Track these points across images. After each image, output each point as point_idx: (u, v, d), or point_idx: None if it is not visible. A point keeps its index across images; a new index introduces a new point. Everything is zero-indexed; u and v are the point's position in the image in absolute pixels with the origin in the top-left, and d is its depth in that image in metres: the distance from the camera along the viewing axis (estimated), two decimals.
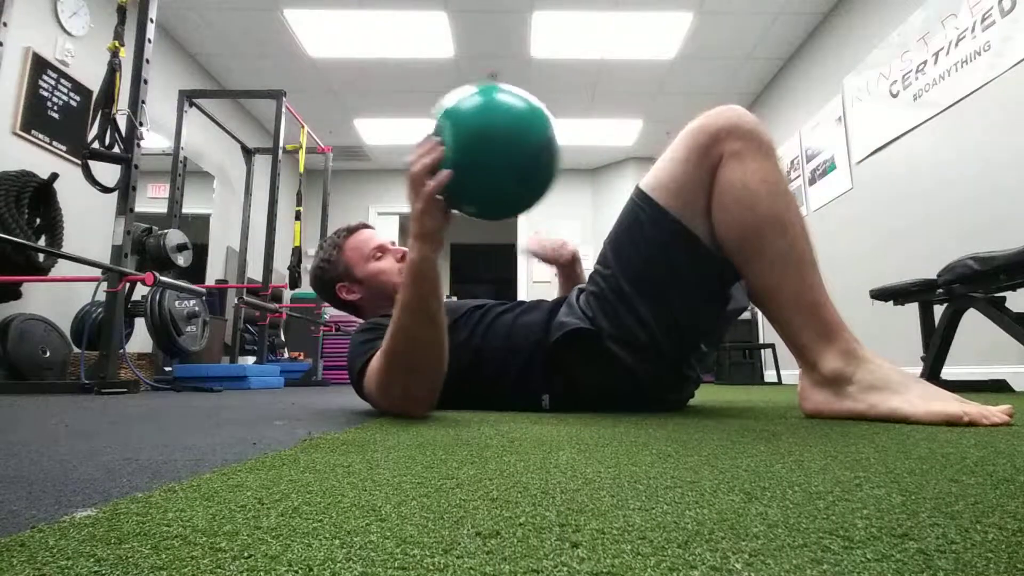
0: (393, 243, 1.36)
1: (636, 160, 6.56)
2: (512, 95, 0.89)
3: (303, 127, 4.19)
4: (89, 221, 3.21)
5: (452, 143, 0.85)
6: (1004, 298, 1.87)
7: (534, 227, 6.91)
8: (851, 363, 0.89)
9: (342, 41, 4.39)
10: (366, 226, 1.39)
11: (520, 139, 0.87)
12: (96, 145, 2.25)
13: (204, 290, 2.88)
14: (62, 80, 3.26)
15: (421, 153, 0.87)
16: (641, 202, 1.04)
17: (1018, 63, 2.50)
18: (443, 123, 0.87)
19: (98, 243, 2.97)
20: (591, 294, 1.11)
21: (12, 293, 2.73)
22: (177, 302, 2.94)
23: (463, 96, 0.89)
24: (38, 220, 2.88)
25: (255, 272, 4.53)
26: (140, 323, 2.97)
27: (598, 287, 1.09)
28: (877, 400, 0.86)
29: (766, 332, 4.99)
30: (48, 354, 2.77)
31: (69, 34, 3.33)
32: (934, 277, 2.06)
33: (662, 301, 1.03)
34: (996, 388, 2.15)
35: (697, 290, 1.04)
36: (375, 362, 0.99)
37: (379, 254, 1.31)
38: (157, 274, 2.27)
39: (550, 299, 1.27)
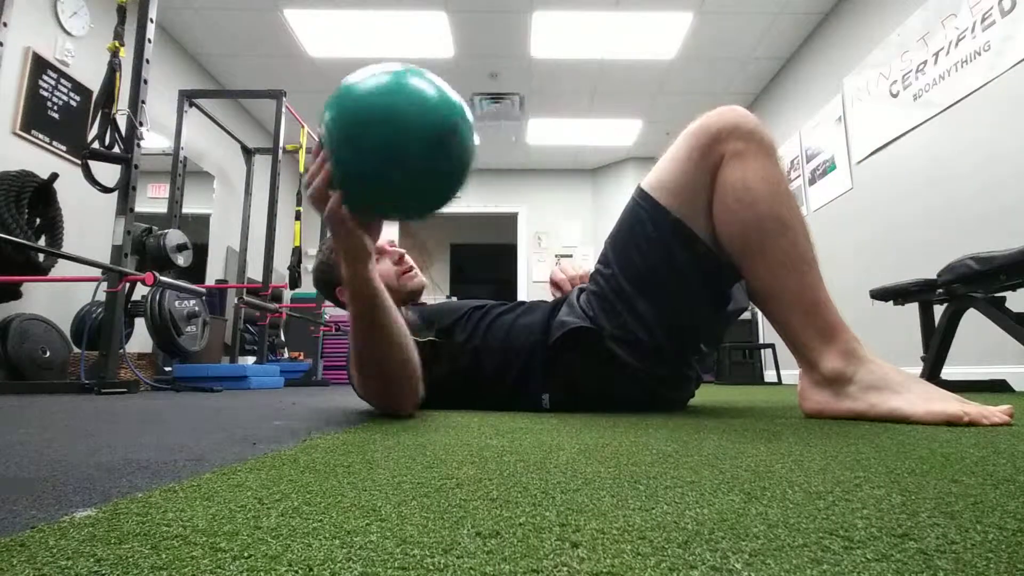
0: (392, 243, 1.36)
1: (636, 160, 6.56)
2: (390, 80, 0.78)
3: (303, 127, 4.19)
4: (89, 221, 3.21)
5: (336, 150, 0.75)
6: (1004, 298, 1.87)
7: (534, 227, 6.91)
8: (851, 363, 0.89)
9: (342, 41, 4.39)
10: None
11: (403, 125, 0.75)
12: (96, 145, 2.25)
13: (204, 290, 2.88)
14: (62, 80, 3.26)
15: (312, 172, 0.81)
16: (642, 201, 1.05)
17: (1018, 63, 2.50)
18: (326, 127, 0.77)
19: (98, 243, 2.96)
20: (592, 293, 1.11)
21: (12, 293, 2.73)
22: (177, 302, 2.94)
23: (340, 89, 0.78)
24: (38, 220, 2.88)
25: (255, 272, 4.53)
26: (140, 323, 2.97)
27: (599, 286, 1.09)
28: (877, 400, 0.86)
29: (766, 332, 4.99)
30: (48, 354, 2.77)
31: (69, 34, 3.33)
32: (934, 277, 2.06)
33: (663, 301, 1.03)
34: (996, 388, 2.15)
35: (698, 290, 1.04)
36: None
37: (377, 256, 1.30)
38: (157, 274, 2.27)
39: (550, 299, 1.27)
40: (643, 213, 1.04)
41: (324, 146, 0.77)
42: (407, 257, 1.34)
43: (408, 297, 1.33)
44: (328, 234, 0.88)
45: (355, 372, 0.97)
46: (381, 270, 1.29)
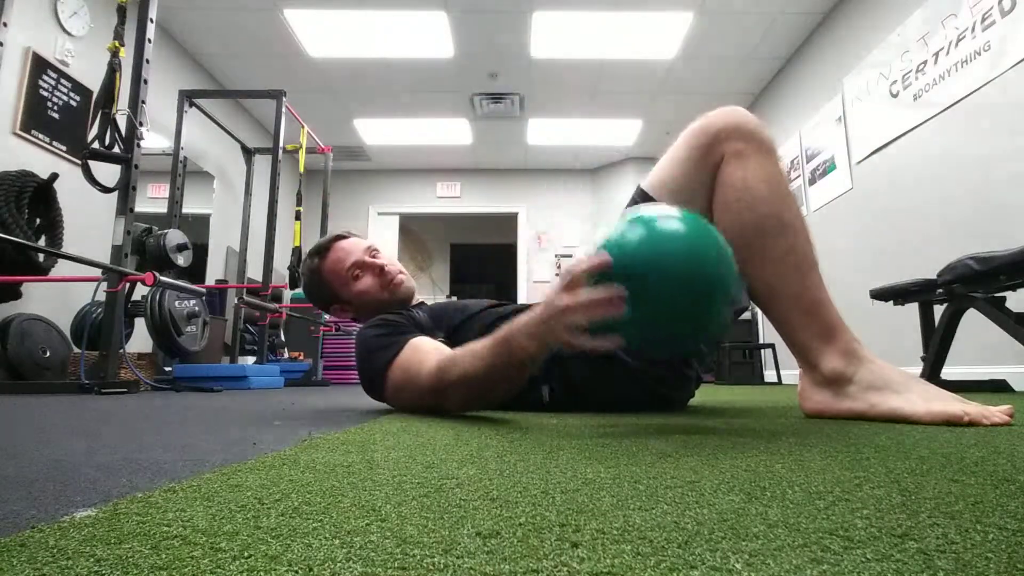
0: (372, 249, 1.32)
1: (636, 160, 6.56)
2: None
3: (303, 127, 4.19)
4: (89, 221, 3.21)
5: (636, 297, 0.64)
6: (1004, 298, 1.86)
7: (534, 227, 6.92)
8: (851, 363, 0.89)
9: (342, 41, 4.39)
10: (340, 237, 1.34)
11: (716, 296, 0.67)
12: (96, 145, 2.25)
13: (204, 290, 2.88)
14: (62, 80, 3.26)
15: (600, 296, 0.67)
16: (642, 201, 1.05)
17: (1018, 63, 2.50)
18: (627, 278, 0.65)
19: (98, 243, 2.96)
20: None
21: (12, 293, 2.73)
22: (177, 302, 2.94)
23: (652, 244, 0.67)
24: (38, 220, 2.88)
25: (255, 272, 4.53)
26: (140, 323, 2.97)
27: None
28: (877, 400, 0.86)
29: (766, 332, 4.99)
30: (48, 354, 2.77)
31: (69, 34, 3.33)
32: (934, 277, 2.06)
33: None
34: (996, 388, 2.15)
35: None
36: (422, 366, 0.99)
37: (357, 272, 1.27)
38: (157, 274, 2.27)
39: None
40: None
41: (616, 275, 0.66)
42: (388, 267, 1.29)
43: (400, 304, 1.30)
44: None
45: (444, 384, 0.95)
46: (366, 287, 1.27)
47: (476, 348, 0.91)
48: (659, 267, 0.65)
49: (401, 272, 1.32)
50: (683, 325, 0.67)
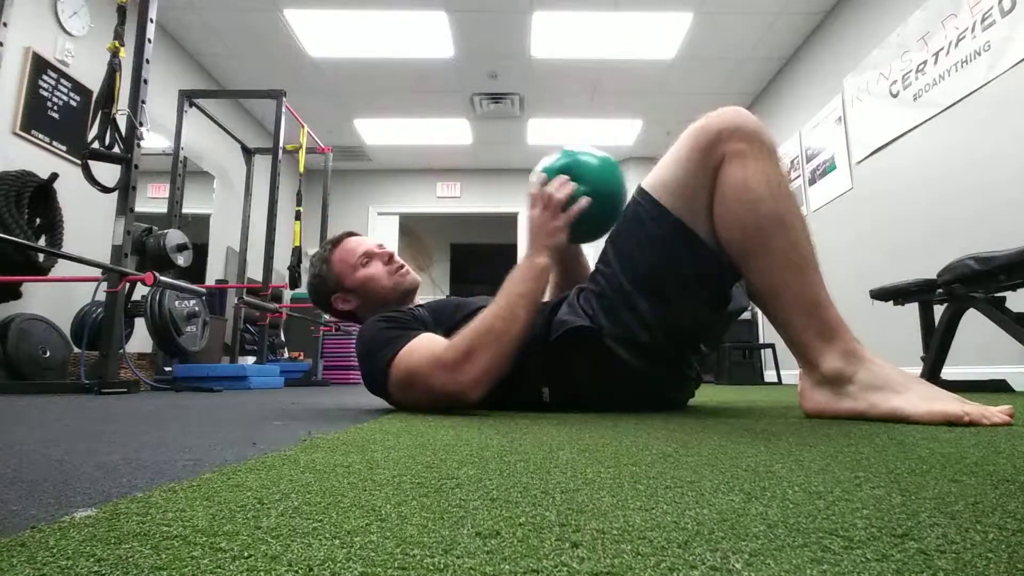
0: (381, 246, 1.37)
1: (636, 160, 6.55)
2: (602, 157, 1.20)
3: (303, 127, 4.19)
4: (89, 221, 3.21)
5: (583, 184, 1.12)
6: (1004, 298, 1.86)
7: None
8: (852, 363, 0.89)
9: (342, 41, 4.39)
10: (352, 234, 1.40)
11: (615, 187, 1.16)
12: (96, 145, 2.25)
13: (204, 290, 2.88)
14: (62, 80, 3.26)
15: (558, 186, 1.12)
16: (643, 201, 1.05)
17: (1018, 63, 2.50)
18: (568, 168, 1.15)
19: (98, 243, 2.96)
20: (592, 292, 1.11)
21: (12, 293, 2.73)
22: (177, 302, 2.94)
23: (573, 155, 1.17)
24: (38, 220, 2.88)
25: (255, 272, 4.53)
26: (140, 323, 2.97)
27: (599, 285, 1.10)
28: (878, 400, 0.86)
29: (766, 332, 4.99)
30: (48, 354, 2.77)
31: (69, 34, 3.33)
32: (934, 277, 2.06)
33: (663, 300, 1.04)
34: (996, 388, 2.15)
35: (698, 289, 1.04)
36: (437, 346, 1.06)
37: (366, 260, 1.33)
38: (157, 274, 2.27)
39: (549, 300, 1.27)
40: (644, 213, 1.04)
41: (569, 173, 1.14)
42: (396, 257, 1.36)
43: (403, 296, 1.34)
44: (527, 220, 1.16)
45: (458, 353, 1.03)
46: (373, 272, 1.31)
47: (486, 306, 1.07)
48: (584, 163, 1.16)
49: (407, 265, 1.38)
50: (607, 211, 1.14)
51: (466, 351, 1.02)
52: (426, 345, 1.08)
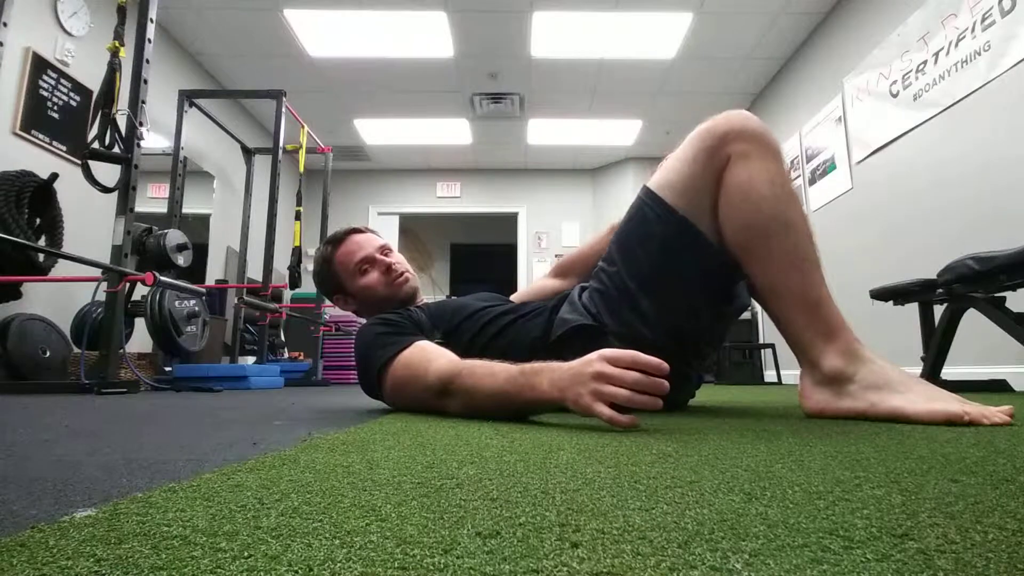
0: (384, 247, 1.36)
1: (636, 160, 6.56)
2: None
3: (303, 127, 4.19)
4: (89, 221, 3.21)
5: None
6: (1004, 298, 1.86)
7: (534, 227, 6.92)
8: (852, 362, 0.89)
9: (342, 41, 4.39)
10: (356, 231, 1.39)
11: None
12: (96, 145, 2.25)
13: (204, 290, 2.88)
14: (62, 80, 3.26)
15: (646, 386, 0.76)
16: (649, 201, 1.05)
17: (1018, 63, 2.50)
18: None
19: (98, 243, 2.96)
20: (595, 291, 1.11)
21: (12, 293, 2.73)
22: (177, 302, 2.94)
23: None
24: (38, 220, 2.88)
25: (255, 272, 4.53)
26: (140, 323, 2.97)
27: (603, 284, 1.10)
28: (878, 399, 0.86)
29: (766, 332, 4.99)
30: (48, 354, 2.77)
31: (69, 34, 3.33)
32: (934, 277, 2.06)
33: (666, 299, 1.04)
34: (996, 388, 2.15)
35: (701, 289, 1.04)
36: (430, 365, 1.01)
37: (366, 267, 1.32)
38: (157, 274, 2.27)
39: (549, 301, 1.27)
40: (649, 212, 1.05)
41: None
42: (395, 266, 1.33)
43: (401, 304, 1.32)
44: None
45: (447, 388, 0.98)
46: (370, 282, 1.31)
47: (496, 368, 0.93)
48: None
49: (407, 272, 1.35)
50: None
51: (455, 392, 0.97)
52: (425, 358, 1.05)
